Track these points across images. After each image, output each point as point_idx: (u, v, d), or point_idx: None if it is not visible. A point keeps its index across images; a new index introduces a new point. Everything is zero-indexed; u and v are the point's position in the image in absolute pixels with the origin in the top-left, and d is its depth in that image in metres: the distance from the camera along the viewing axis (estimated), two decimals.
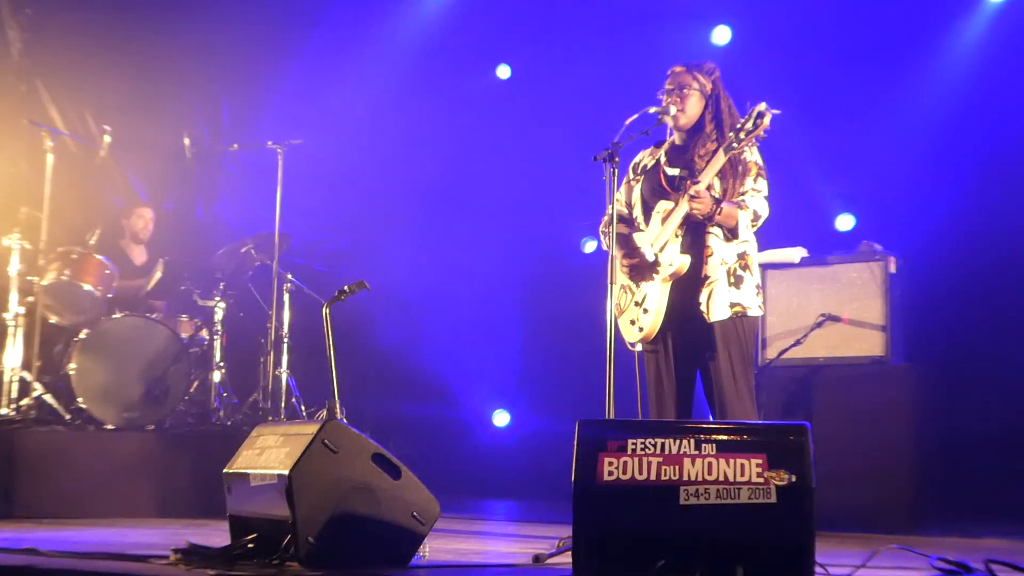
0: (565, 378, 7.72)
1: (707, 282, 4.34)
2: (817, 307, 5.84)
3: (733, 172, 4.38)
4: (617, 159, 4.37)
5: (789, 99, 7.15)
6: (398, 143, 8.51)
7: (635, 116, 4.40)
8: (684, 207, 4.30)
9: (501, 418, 8.60)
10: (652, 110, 4.45)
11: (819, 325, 5.78)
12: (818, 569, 3.58)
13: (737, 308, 4.35)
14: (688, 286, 4.36)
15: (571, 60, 8.15)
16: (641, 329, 4.43)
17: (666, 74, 4.56)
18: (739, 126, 4.25)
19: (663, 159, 4.58)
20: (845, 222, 7.50)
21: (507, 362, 8.41)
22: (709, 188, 4.34)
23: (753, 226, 4.43)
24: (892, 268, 5.79)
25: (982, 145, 6.85)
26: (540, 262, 8.15)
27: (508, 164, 8.25)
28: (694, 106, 4.48)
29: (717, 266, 4.34)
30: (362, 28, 8.52)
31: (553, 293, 7.81)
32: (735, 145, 4.24)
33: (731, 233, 4.37)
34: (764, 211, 4.42)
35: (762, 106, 4.19)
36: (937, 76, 6.97)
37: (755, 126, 4.19)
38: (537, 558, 3.97)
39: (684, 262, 4.34)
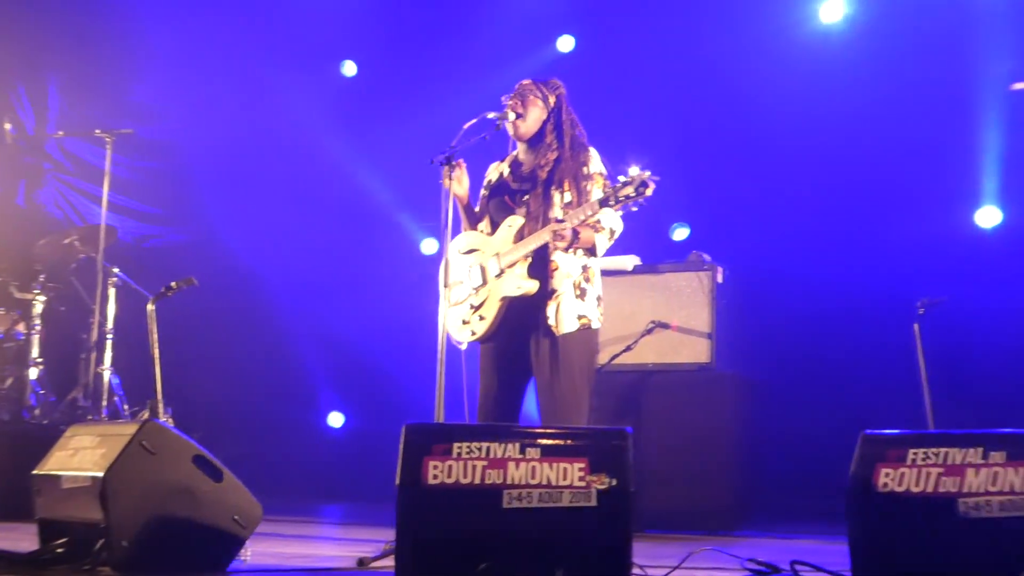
0: (401, 379, 7.70)
1: (554, 295, 4.39)
2: (648, 314, 5.98)
3: (576, 185, 4.44)
4: (454, 163, 4.40)
5: (629, 107, 7.41)
6: (239, 137, 8.33)
7: (474, 121, 4.44)
8: (545, 237, 4.33)
9: (336, 419, 8.51)
10: (491, 115, 4.48)
11: (649, 332, 5.91)
12: (636, 570, 3.66)
13: (584, 320, 4.43)
14: (534, 299, 4.41)
15: (418, 61, 8.13)
16: (473, 333, 4.46)
17: (514, 86, 4.60)
18: (619, 187, 4.22)
19: (507, 172, 4.63)
20: (680, 232, 7.70)
21: (343, 363, 8.33)
22: (548, 199, 4.39)
23: (610, 242, 4.51)
24: (719, 278, 5.97)
25: (808, 159, 7.11)
26: (380, 262, 8.10)
27: (352, 161, 8.17)
28: (535, 115, 4.52)
29: (563, 279, 4.41)
30: (205, 18, 8.32)
31: (392, 293, 7.77)
32: (611, 203, 4.23)
33: (589, 252, 4.44)
34: (619, 226, 4.48)
35: (646, 175, 4.19)
36: (767, 91, 7.20)
37: (637, 193, 4.19)
38: (361, 562, 3.94)
39: (532, 287, 4.39)
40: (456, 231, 4.55)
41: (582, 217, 4.30)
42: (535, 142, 4.55)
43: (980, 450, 3.00)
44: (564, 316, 4.39)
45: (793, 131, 7.12)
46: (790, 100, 7.16)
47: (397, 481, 3.29)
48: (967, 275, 6.66)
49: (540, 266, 4.42)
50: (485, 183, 4.71)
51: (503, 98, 4.55)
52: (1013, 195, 6.81)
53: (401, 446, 3.37)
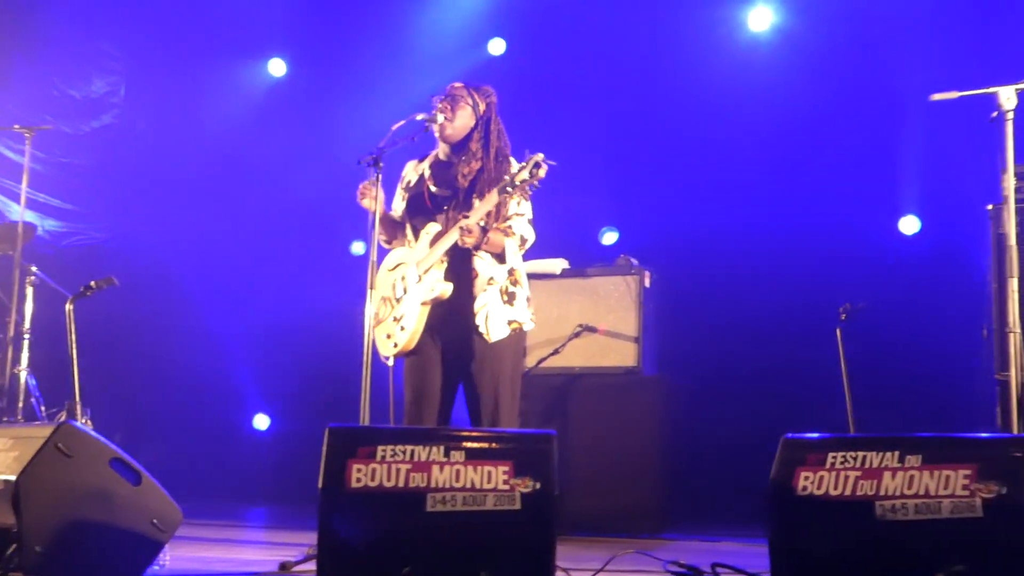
0: (328, 382, 7.63)
1: (480, 304, 4.39)
2: (576, 318, 6.00)
3: (492, 183, 4.43)
4: (381, 164, 4.38)
5: (560, 111, 7.43)
6: (164, 135, 8.20)
7: (402, 122, 4.42)
8: (454, 236, 4.32)
9: (261, 421, 8.41)
10: (420, 117, 4.46)
11: (577, 335, 5.93)
12: (560, 573, 3.67)
13: (514, 324, 4.44)
14: (459, 307, 4.40)
15: (348, 61, 8.06)
16: (396, 345, 4.43)
17: (445, 89, 4.59)
18: (515, 172, 4.28)
19: (427, 174, 4.60)
20: (609, 237, 7.74)
21: (269, 364, 8.23)
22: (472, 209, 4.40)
23: (521, 250, 4.52)
24: (647, 282, 6.01)
25: (736, 166, 7.20)
26: (307, 263, 8.01)
27: (280, 161, 8.08)
28: (464, 120, 4.51)
29: (486, 286, 4.40)
30: (130, 13, 8.17)
31: (320, 294, 7.69)
32: (509, 189, 4.27)
33: (498, 259, 4.44)
34: (530, 235, 4.51)
35: (539, 157, 4.24)
36: (696, 98, 7.27)
37: (531, 175, 4.25)
38: (284, 566, 3.90)
39: (446, 289, 4.38)
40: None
41: (485, 210, 4.31)
42: (460, 147, 4.54)
43: (897, 454, 3.04)
44: (493, 323, 4.38)
45: (721, 137, 7.20)
46: (719, 106, 7.24)
47: (320, 484, 3.26)
48: (889, 282, 6.78)
49: (458, 270, 4.41)
50: (404, 183, 4.68)
51: (434, 99, 4.52)
52: (932, 204, 6.95)
53: (324, 449, 3.34)
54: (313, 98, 8.09)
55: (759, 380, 6.95)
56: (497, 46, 8.01)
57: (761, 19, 7.42)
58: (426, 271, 4.40)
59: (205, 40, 8.24)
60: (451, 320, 4.41)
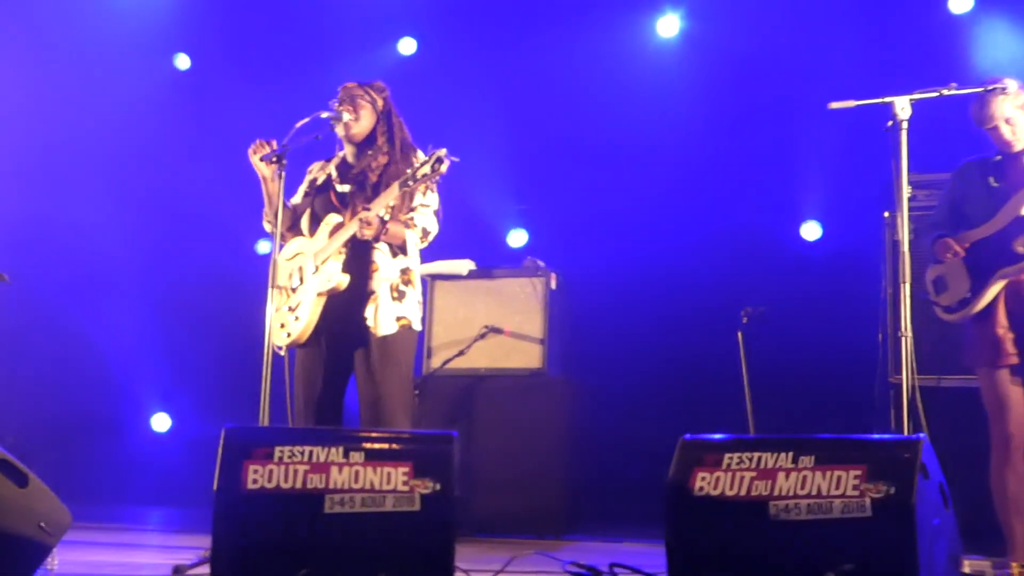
0: (230, 381, 7.49)
1: (371, 297, 4.37)
2: (482, 319, 6.00)
3: (400, 175, 4.43)
4: (285, 161, 4.33)
5: (469, 112, 7.42)
6: (61, 129, 7.97)
7: (306, 120, 4.39)
8: (353, 227, 4.31)
9: (161, 421, 8.24)
10: (324, 115, 4.43)
11: (482, 336, 5.93)
12: (461, 575, 3.66)
13: (403, 321, 4.43)
14: (352, 300, 4.37)
15: (253, 57, 7.94)
16: (289, 335, 4.39)
17: (337, 89, 4.57)
18: (417, 166, 4.30)
19: (334, 174, 4.57)
20: (518, 237, 7.75)
21: (170, 364, 8.06)
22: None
23: (423, 243, 4.51)
24: (553, 284, 6.04)
25: (643, 169, 7.26)
26: (210, 261, 7.86)
27: (182, 159, 7.92)
28: (367, 118, 4.52)
29: (381, 281, 4.39)
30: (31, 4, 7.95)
31: (222, 292, 7.56)
32: (410, 183, 4.29)
33: (400, 250, 4.43)
34: (433, 227, 4.50)
35: (441, 152, 4.27)
36: (604, 101, 7.33)
37: (433, 170, 4.27)
38: (177, 570, 3.82)
39: (343, 280, 4.36)
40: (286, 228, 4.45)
41: (385, 203, 4.31)
42: (365, 144, 4.54)
43: (791, 455, 3.10)
44: (382, 318, 4.36)
45: (629, 141, 7.26)
46: (627, 110, 7.30)
47: (215, 486, 3.21)
48: (792, 286, 6.90)
49: (357, 263, 4.39)
50: (308, 183, 4.65)
51: (331, 103, 4.51)
52: (833, 210, 7.10)
53: (220, 450, 3.29)
54: (217, 94, 7.94)
55: (663, 382, 7.02)
56: (407, 46, 7.97)
57: (670, 26, 7.50)
58: (324, 261, 4.37)
59: (108, 34, 8.03)
60: (345, 313, 4.38)
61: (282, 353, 4.42)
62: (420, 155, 4.49)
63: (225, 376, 7.47)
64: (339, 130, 4.50)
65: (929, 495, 3.02)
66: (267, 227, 4.58)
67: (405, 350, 4.47)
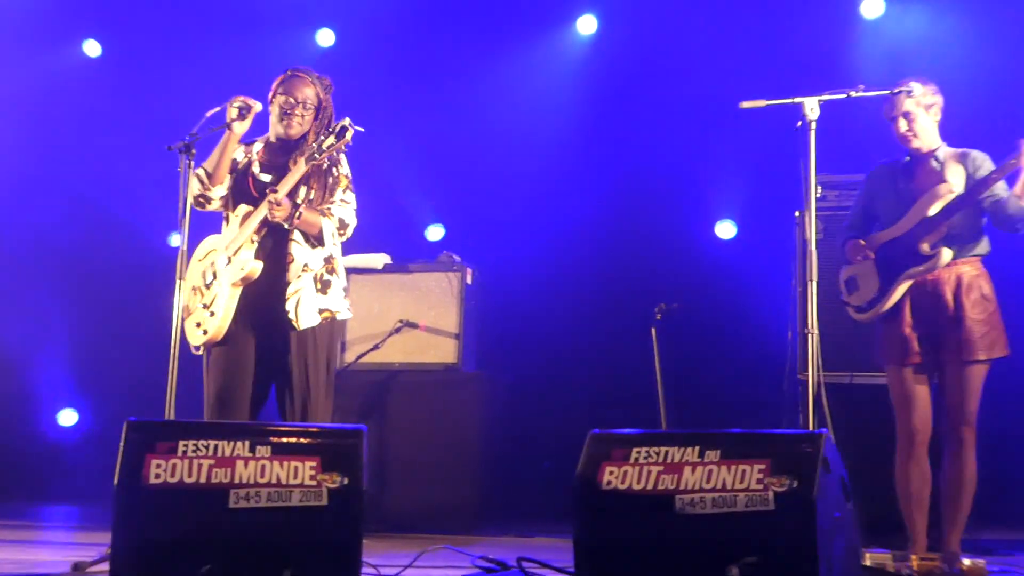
0: (139, 376, 7.35)
1: (292, 290, 4.30)
2: (397, 313, 5.95)
3: (323, 183, 4.39)
4: (194, 151, 4.25)
5: (385, 106, 7.37)
6: None
7: (217, 109, 4.32)
8: (263, 212, 4.25)
9: (68, 417, 8.05)
10: (240, 103, 4.34)
11: (397, 331, 5.89)
12: (370, 570, 3.64)
13: (326, 313, 4.37)
14: (270, 292, 4.30)
15: (164, 46, 7.78)
16: (205, 332, 4.31)
17: (288, 72, 4.48)
18: (322, 137, 4.27)
19: (255, 158, 4.49)
20: (435, 232, 7.73)
21: (79, 358, 7.88)
22: (294, 195, 4.30)
23: (341, 235, 4.46)
24: (469, 279, 6.02)
25: (561, 167, 7.29)
26: (119, 254, 7.70)
27: (91, 149, 7.73)
28: (309, 121, 4.44)
29: (301, 272, 4.32)
30: None
31: (132, 286, 7.40)
32: (316, 156, 4.25)
33: (316, 240, 4.36)
34: (351, 220, 4.46)
35: (346, 121, 4.24)
36: (523, 97, 7.34)
37: (338, 139, 4.23)
38: (77, 566, 3.74)
39: (256, 268, 4.29)
40: (195, 219, 4.36)
41: (294, 180, 4.26)
42: (298, 141, 4.45)
43: (697, 449, 3.13)
44: (304, 311, 4.31)
45: (547, 138, 7.27)
46: (545, 107, 7.32)
47: (115, 480, 3.14)
48: (706, 284, 6.98)
49: (272, 253, 4.33)
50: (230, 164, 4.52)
51: (280, 90, 4.41)
52: (747, 210, 7.20)
53: (122, 443, 3.22)
54: (128, 82, 7.77)
55: (578, 378, 7.06)
56: (326, 37, 7.89)
57: (587, 24, 7.54)
58: (235, 252, 4.30)
59: (11, 18, 7.80)
60: (263, 306, 4.31)
61: (199, 352, 4.34)
62: (343, 160, 4.47)
63: (135, 371, 7.32)
64: (279, 130, 4.42)
65: (830, 489, 3.08)
66: (197, 187, 4.42)
67: (329, 345, 4.42)
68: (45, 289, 7.74)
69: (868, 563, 3.76)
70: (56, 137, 7.75)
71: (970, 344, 4.23)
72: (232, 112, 4.31)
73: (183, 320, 4.28)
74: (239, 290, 4.29)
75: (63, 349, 7.82)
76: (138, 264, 7.37)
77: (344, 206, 4.42)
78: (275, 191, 4.23)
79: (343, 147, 4.27)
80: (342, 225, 4.42)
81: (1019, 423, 5.94)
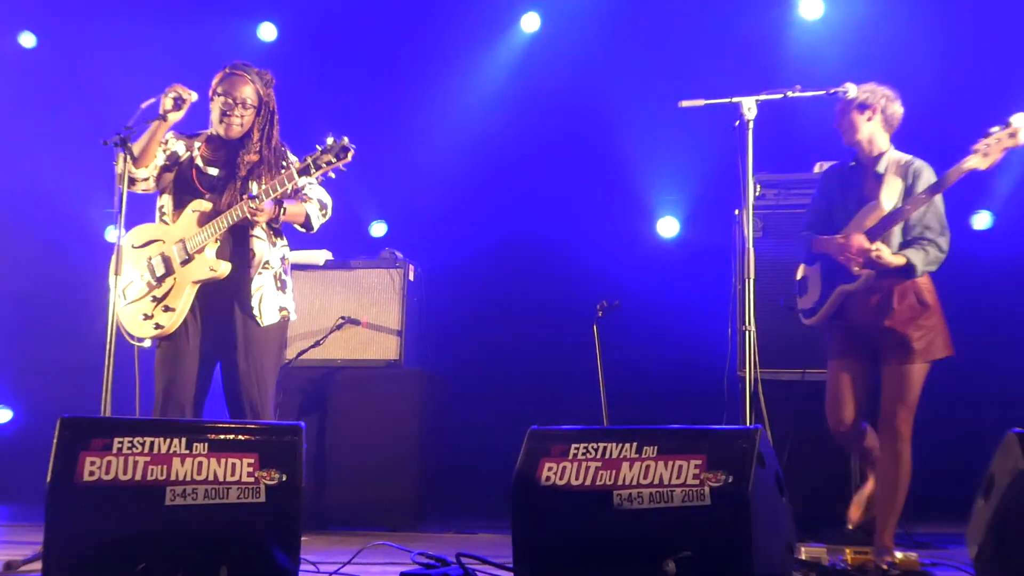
0: (77, 372, 7.24)
1: (256, 286, 4.32)
2: (338, 310, 5.93)
3: (272, 172, 4.35)
4: (130, 144, 4.20)
5: (329, 101, 7.33)
6: None
7: (152, 100, 4.26)
8: (236, 214, 4.23)
9: (1, 415, 7.91)
10: (176, 94, 4.28)
11: (338, 327, 5.86)
12: (309, 568, 3.62)
13: (284, 312, 4.42)
14: (228, 288, 4.31)
15: (101, 38, 7.65)
16: (159, 326, 4.28)
17: (227, 70, 4.43)
18: (320, 152, 4.22)
19: (197, 153, 4.44)
20: (378, 228, 7.71)
21: (11, 355, 7.74)
22: (245, 190, 4.32)
23: (323, 215, 4.49)
24: (411, 276, 6.01)
25: (506, 164, 7.30)
26: (53, 248, 7.56)
27: (26, 142, 7.59)
28: (251, 117, 4.41)
29: (262, 269, 4.34)
30: None
31: (67, 281, 7.29)
32: (312, 171, 4.21)
33: (305, 226, 4.40)
34: (328, 199, 4.49)
35: (345, 141, 4.22)
36: (469, 93, 7.35)
37: (337, 159, 4.20)
38: (9, 565, 3.68)
39: (224, 269, 4.29)
40: (130, 213, 4.30)
41: (280, 189, 4.23)
42: (244, 137, 4.42)
43: (635, 445, 3.15)
44: (267, 307, 4.35)
45: (491, 135, 7.28)
46: (490, 105, 7.34)
47: (48, 478, 3.10)
48: (648, 281, 7.03)
49: (235, 250, 4.33)
50: (167, 155, 4.45)
51: (222, 86, 4.36)
52: (690, 207, 7.26)
53: (55, 440, 3.18)
54: (63, 73, 7.64)
55: (520, 374, 7.07)
56: (268, 31, 7.83)
57: (531, 23, 7.55)
58: (199, 250, 4.27)
59: None
60: (217, 301, 4.31)
61: (145, 345, 4.30)
62: (290, 155, 4.44)
63: (69, 367, 7.20)
64: (220, 129, 4.38)
65: (766, 484, 3.12)
66: (121, 164, 4.26)
67: (280, 342, 4.47)
68: None
69: (803, 557, 3.81)
70: None
71: (903, 347, 4.27)
72: (167, 102, 4.25)
73: (121, 309, 4.23)
74: (198, 287, 4.28)
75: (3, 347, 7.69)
76: (73, 258, 7.25)
77: (316, 187, 4.43)
78: (254, 197, 4.21)
79: (342, 167, 4.23)
80: (322, 205, 4.46)
81: (948, 417, 6.05)
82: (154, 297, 4.30)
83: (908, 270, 4.25)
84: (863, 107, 4.38)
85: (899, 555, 4.04)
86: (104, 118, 4.46)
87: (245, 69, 4.43)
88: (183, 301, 4.27)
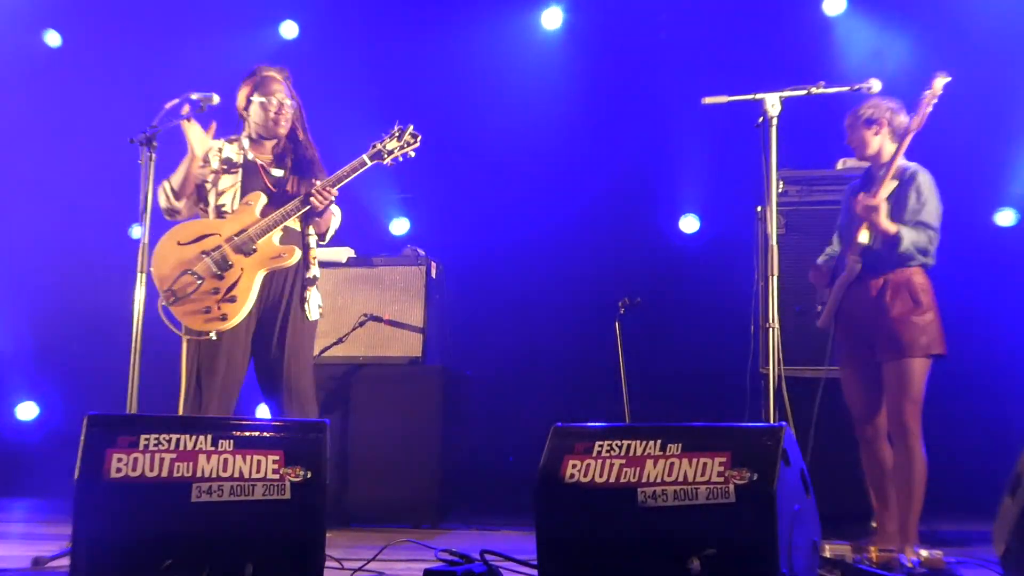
0: (103, 369, 7.28)
1: (311, 282, 4.48)
2: (361, 307, 5.94)
3: (320, 164, 4.53)
4: (155, 143, 4.23)
5: (351, 99, 7.34)
6: None
7: (176, 101, 4.29)
8: (302, 203, 4.36)
9: (28, 410, 7.97)
10: (195, 96, 4.33)
11: (361, 324, 5.88)
12: (333, 564, 3.64)
13: (321, 310, 4.58)
14: (289, 280, 4.44)
15: (126, 37, 7.69)
16: (224, 317, 4.30)
17: (260, 74, 4.54)
18: (388, 139, 4.42)
19: (252, 153, 4.53)
20: (399, 225, 7.72)
21: (38, 351, 7.80)
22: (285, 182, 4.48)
23: (325, 238, 4.65)
24: (433, 273, 6.02)
25: (527, 161, 7.30)
26: (81, 245, 7.61)
27: (52, 141, 7.64)
28: (289, 112, 4.51)
29: (313, 268, 4.51)
30: None
31: (94, 278, 7.34)
32: (384, 155, 4.41)
33: (321, 237, 4.55)
34: (339, 214, 4.64)
35: (410, 128, 4.44)
36: (490, 91, 7.34)
37: (407, 144, 4.44)
38: (37, 561, 3.71)
39: (296, 256, 4.40)
40: (156, 212, 4.33)
41: (350, 175, 4.40)
42: (292, 137, 4.58)
43: (659, 442, 3.15)
44: (312, 303, 4.50)
45: (513, 132, 7.28)
46: (511, 101, 7.33)
47: (76, 475, 3.12)
48: (671, 278, 7.02)
49: (295, 242, 4.45)
50: (220, 160, 4.49)
51: (252, 86, 4.50)
52: (711, 204, 7.24)
53: (82, 438, 3.20)
54: (89, 73, 7.68)
55: (542, 371, 7.08)
56: (290, 29, 7.86)
57: (553, 18, 7.55)
58: (264, 238, 4.35)
59: None
60: (276, 292, 4.42)
61: (213, 337, 4.30)
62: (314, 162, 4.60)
63: (97, 364, 7.25)
64: (270, 126, 4.51)
65: (790, 481, 3.10)
66: (164, 202, 4.45)
67: (314, 338, 4.61)
68: (4, 281, 7.66)
69: (828, 555, 3.80)
70: (16, 127, 7.65)
71: (896, 342, 4.34)
72: (193, 105, 4.30)
73: (171, 306, 4.29)
74: (264, 276, 4.35)
75: (23, 341, 7.74)
76: (100, 256, 7.30)
77: (337, 214, 4.58)
78: (315, 182, 4.38)
79: (411, 152, 4.45)
80: (332, 229, 4.62)
81: (975, 415, 6.03)
82: (216, 289, 4.33)
83: (895, 242, 4.32)
84: (870, 122, 4.49)
85: (924, 553, 4.02)
86: (130, 116, 4.49)
87: (275, 70, 4.55)
88: (250, 289, 4.34)
